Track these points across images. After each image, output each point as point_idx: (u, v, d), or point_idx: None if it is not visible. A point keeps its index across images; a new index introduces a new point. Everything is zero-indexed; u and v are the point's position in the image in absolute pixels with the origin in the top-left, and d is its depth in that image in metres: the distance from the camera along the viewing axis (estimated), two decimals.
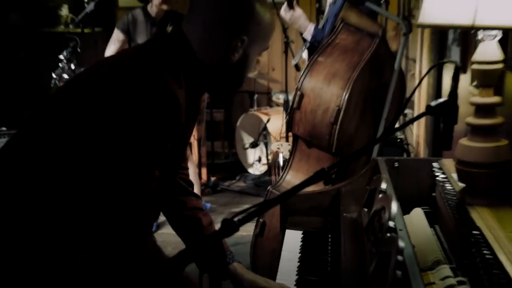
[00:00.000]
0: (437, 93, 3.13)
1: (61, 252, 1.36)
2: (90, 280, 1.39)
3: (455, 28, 2.08)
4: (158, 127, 1.32)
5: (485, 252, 1.19)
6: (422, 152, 3.65)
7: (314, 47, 2.91)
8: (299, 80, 2.59)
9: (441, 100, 1.21)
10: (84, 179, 1.34)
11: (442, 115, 1.23)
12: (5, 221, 1.36)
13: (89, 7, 3.97)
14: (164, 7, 3.81)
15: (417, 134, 3.84)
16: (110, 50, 3.88)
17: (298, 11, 3.19)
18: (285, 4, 3.20)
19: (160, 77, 1.37)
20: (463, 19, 1.31)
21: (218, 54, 1.48)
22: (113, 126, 1.32)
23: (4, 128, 4.30)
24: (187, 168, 1.88)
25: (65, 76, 3.76)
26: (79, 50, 3.78)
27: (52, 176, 1.35)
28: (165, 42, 1.48)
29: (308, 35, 3.13)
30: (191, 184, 1.85)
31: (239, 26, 1.47)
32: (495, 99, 1.43)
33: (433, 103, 1.20)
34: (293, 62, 3.39)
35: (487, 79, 1.44)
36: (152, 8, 3.87)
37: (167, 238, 3.66)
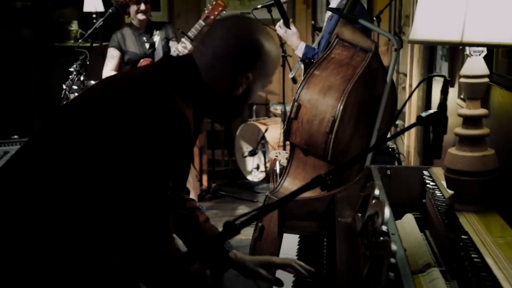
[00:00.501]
0: (427, 105, 3.14)
1: (79, 260, 1.36)
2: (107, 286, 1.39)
3: (444, 44, 2.09)
4: (171, 143, 1.34)
5: (473, 255, 1.19)
6: (413, 161, 3.66)
7: (311, 63, 2.93)
8: (297, 92, 2.60)
9: (431, 111, 1.21)
10: (104, 193, 1.36)
11: (432, 126, 1.23)
12: (21, 229, 1.36)
13: (98, 22, 3.98)
14: (140, 16, 3.90)
15: (407, 144, 3.85)
16: (108, 67, 3.97)
17: (293, 29, 3.22)
18: (281, 21, 3.23)
19: (170, 98, 1.38)
20: (451, 36, 1.32)
21: (223, 86, 1.51)
22: (129, 143, 1.34)
23: (16, 136, 4.30)
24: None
25: (75, 87, 3.79)
26: (88, 63, 3.79)
27: (72, 188, 1.36)
28: (175, 65, 1.50)
29: (299, 52, 3.16)
30: (187, 191, 1.86)
31: (246, 64, 1.49)
32: (481, 111, 1.44)
33: (423, 114, 1.21)
34: (290, 75, 3.41)
35: (474, 92, 1.45)
36: (133, 20, 3.98)
37: None
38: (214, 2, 3.83)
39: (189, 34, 3.78)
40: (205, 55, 1.50)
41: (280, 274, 1.69)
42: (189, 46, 3.73)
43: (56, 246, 1.35)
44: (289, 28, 3.23)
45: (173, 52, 3.78)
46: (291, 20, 3.28)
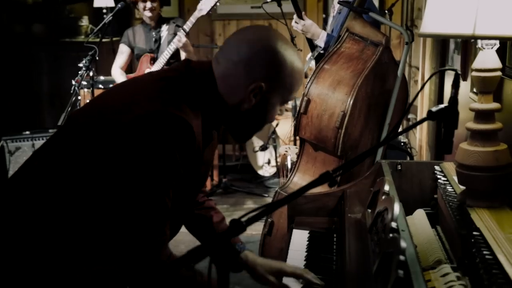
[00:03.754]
0: (439, 99, 3.11)
1: (72, 265, 1.37)
2: None
3: (455, 37, 2.06)
4: (172, 152, 1.32)
5: (484, 252, 1.18)
6: (425, 156, 3.63)
7: (321, 57, 2.91)
8: (306, 86, 2.58)
9: (441, 106, 1.20)
10: (100, 198, 1.36)
11: (443, 121, 1.21)
12: (20, 232, 1.38)
13: (107, 18, 4.00)
14: (147, 13, 3.97)
15: (420, 138, 3.82)
16: (117, 63, 4.13)
17: (308, 20, 3.19)
18: (295, 16, 3.20)
19: (175, 106, 1.36)
20: (463, 29, 1.30)
21: (237, 95, 1.46)
22: (130, 150, 1.33)
23: (27, 132, 4.33)
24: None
25: (84, 83, 3.83)
26: (97, 58, 3.80)
27: (68, 194, 1.37)
28: (191, 73, 1.47)
29: (321, 42, 3.13)
30: (204, 192, 1.86)
31: (257, 71, 1.44)
32: (494, 105, 1.42)
33: (434, 109, 1.19)
34: None
35: (486, 86, 1.42)
36: (143, 17, 4.07)
37: (180, 236, 3.63)
38: None
39: (184, 27, 3.84)
40: (220, 64, 1.47)
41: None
42: (183, 39, 3.80)
43: (52, 249, 1.36)
44: (303, 20, 3.19)
45: (171, 45, 3.84)
46: (303, 12, 3.25)
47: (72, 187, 1.37)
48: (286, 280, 1.61)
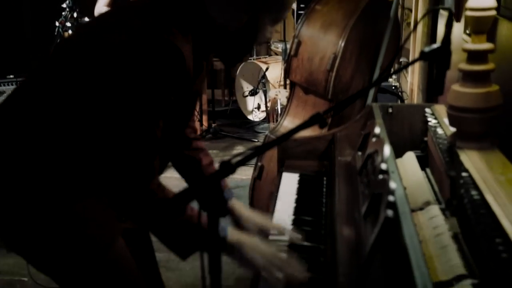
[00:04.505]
0: (432, 41, 3.08)
1: (63, 197, 1.38)
2: (90, 225, 1.41)
3: None
4: (158, 78, 1.30)
5: (473, 193, 1.19)
6: (416, 100, 3.63)
7: None
8: (297, 28, 2.54)
9: (434, 46, 1.18)
10: (88, 127, 1.35)
11: (435, 61, 1.20)
12: (10, 165, 1.38)
13: None
14: None
15: (411, 82, 3.81)
16: (100, 3, 3.96)
17: None
18: None
19: (165, 31, 1.33)
20: None
21: (228, 14, 1.42)
22: (116, 75, 1.31)
23: (11, 76, 4.26)
24: (193, 115, 1.88)
25: (68, 24, 3.74)
26: None
27: (56, 123, 1.36)
28: None
29: None
30: (194, 129, 1.85)
31: None
32: (487, 45, 1.40)
33: (426, 49, 1.18)
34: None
35: (480, 26, 1.40)
36: None
37: (169, 181, 3.68)
38: None
39: None
40: None
41: (279, 208, 1.71)
42: None
43: (42, 180, 1.36)
44: None
45: None
46: None
47: (61, 112, 1.35)
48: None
